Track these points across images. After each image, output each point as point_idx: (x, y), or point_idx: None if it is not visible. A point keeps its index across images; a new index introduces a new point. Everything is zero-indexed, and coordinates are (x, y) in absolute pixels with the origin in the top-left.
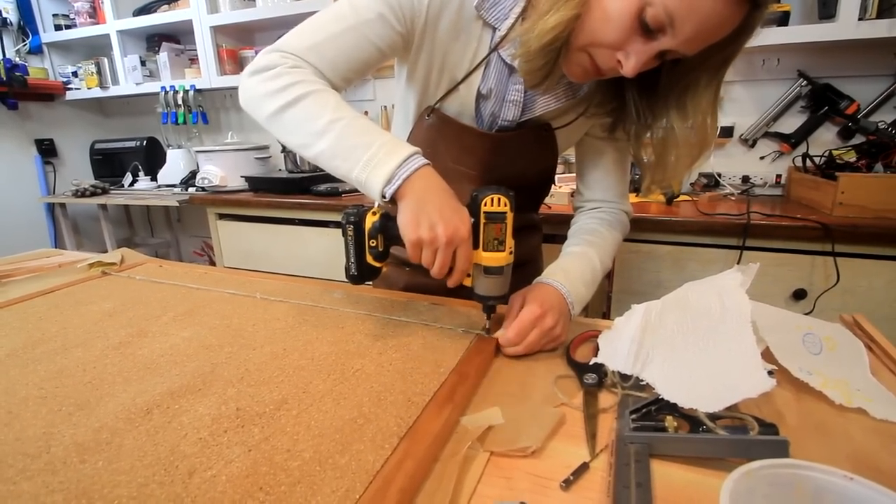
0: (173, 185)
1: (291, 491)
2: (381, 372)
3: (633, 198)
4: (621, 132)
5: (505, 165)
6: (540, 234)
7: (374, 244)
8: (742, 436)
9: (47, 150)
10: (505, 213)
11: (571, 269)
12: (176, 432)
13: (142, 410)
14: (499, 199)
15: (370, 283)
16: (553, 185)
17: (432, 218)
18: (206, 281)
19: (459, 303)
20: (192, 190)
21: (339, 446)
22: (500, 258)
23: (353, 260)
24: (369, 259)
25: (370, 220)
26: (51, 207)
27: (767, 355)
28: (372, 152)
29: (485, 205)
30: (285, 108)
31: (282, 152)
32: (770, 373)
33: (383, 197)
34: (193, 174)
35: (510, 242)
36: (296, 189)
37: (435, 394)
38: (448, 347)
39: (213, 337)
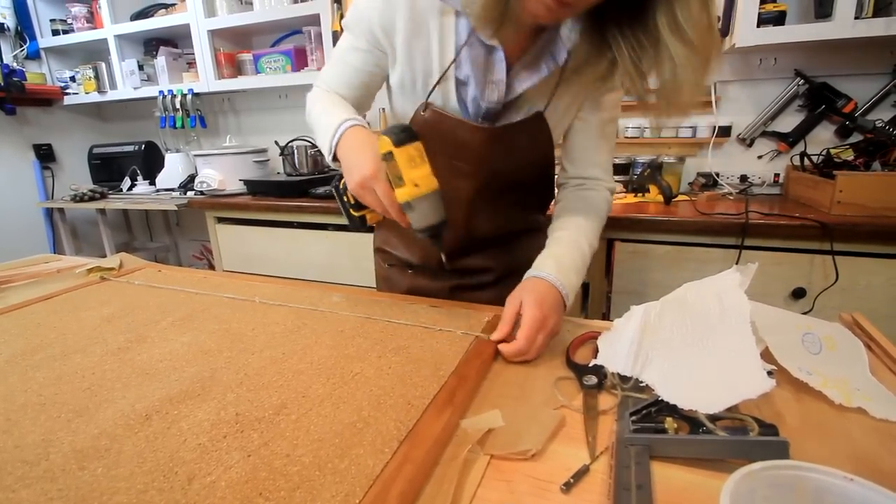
0: (172, 189)
1: (291, 496)
2: (381, 375)
3: (630, 198)
4: (619, 79)
5: (500, 159)
6: (542, 238)
7: (347, 199)
8: (742, 437)
9: (45, 155)
10: (389, 150)
11: (563, 259)
12: (175, 438)
13: (141, 416)
14: (382, 139)
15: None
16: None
17: (351, 168)
18: (205, 285)
19: (459, 305)
20: (190, 194)
21: (338, 451)
22: (402, 193)
23: (345, 214)
24: (352, 211)
25: (343, 181)
26: (49, 212)
27: (767, 355)
28: (326, 132)
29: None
30: (308, 122)
31: (280, 155)
32: (769, 373)
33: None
34: (192, 178)
35: (410, 175)
36: (294, 192)
37: (434, 397)
38: (447, 350)
39: (212, 342)
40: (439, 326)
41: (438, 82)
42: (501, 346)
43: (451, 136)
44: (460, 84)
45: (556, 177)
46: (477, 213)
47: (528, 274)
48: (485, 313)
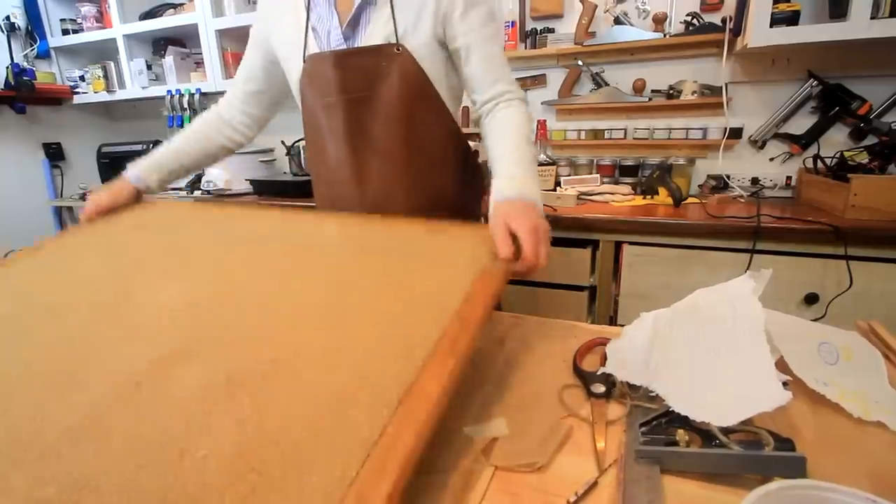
0: (179, 189)
1: (283, 470)
2: (377, 321)
3: (638, 200)
4: None
5: (358, 86)
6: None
7: None
8: (757, 451)
9: (55, 154)
10: None
11: (517, 174)
12: (166, 407)
13: (131, 383)
14: None
15: None
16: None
17: None
18: (196, 223)
19: (461, 228)
20: (197, 193)
21: (333, 413)
22: None
23: None
24: None
25: None
26: (58, 211)
27: (781, 365)
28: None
29: None
30: None
31: (286, 155)
32: (785, 384)
33: None
34: (199, 177)
35: None
36: (300, 192)
37: (435, 345)
38: (449, 284)
39: (202, 291)
40: (441, 254)
41: (307, 37)
42: (515, 267)
43: (318, 75)
44: (315, 32)
45: (469, 147)
46: (367, 170)
47: (494, 200)
48: (487, 230)
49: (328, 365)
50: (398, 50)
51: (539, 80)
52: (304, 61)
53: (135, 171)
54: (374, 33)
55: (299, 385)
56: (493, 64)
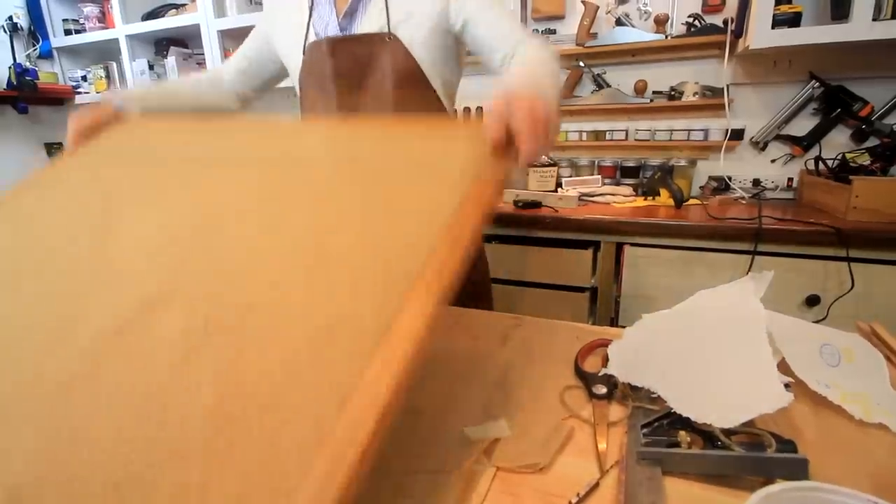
0: None
1: (260, 423)
2: (360, 245)
3: (640, 201)
4: None
5: (351, 74)
6: None
7: None
8: (759, 453)
9: (57, 154)
10: None
11: (524, 74)
12: (147, 358)
13: (113, 332)
14: None
15: None
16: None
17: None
18: (175, 143)
19: (457, 128)
20: None
21: (311, 358)
22: None
23: None
24: None
25: None
26: None
27: (783, 367)
28: None
29: None
30: None
31: None
32: (786, 386)
33: None
34: None
35: None
36: None
37: (422, 270)
38: (440, 196)
39: (182, 222)
40: (434, 160)
41: (307, 32)
42: (511, 158)
43: (315, 65)
44: (316, 25)
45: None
46: None
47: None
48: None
49: (308, 301)
50: (390, 38)
51: None
52: (304, 53)
53: (118, 97)
54: (368, 23)
55: (277, 327)
56: (501, 24)
